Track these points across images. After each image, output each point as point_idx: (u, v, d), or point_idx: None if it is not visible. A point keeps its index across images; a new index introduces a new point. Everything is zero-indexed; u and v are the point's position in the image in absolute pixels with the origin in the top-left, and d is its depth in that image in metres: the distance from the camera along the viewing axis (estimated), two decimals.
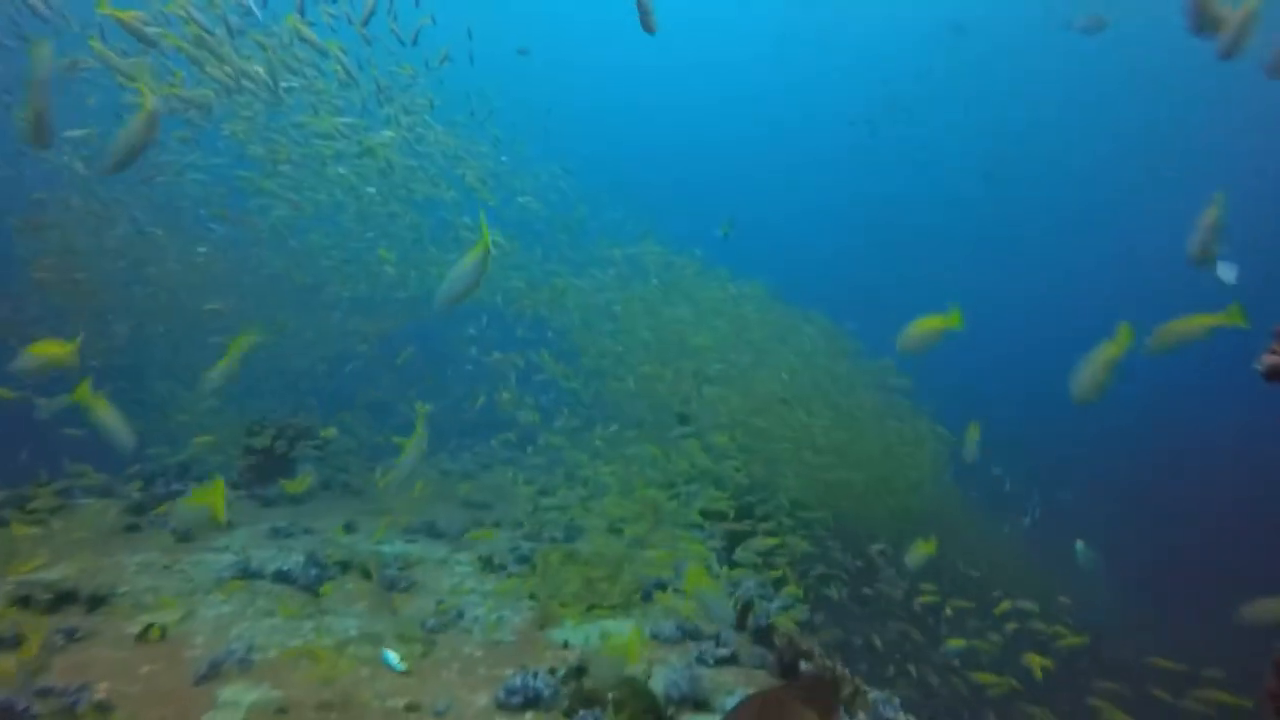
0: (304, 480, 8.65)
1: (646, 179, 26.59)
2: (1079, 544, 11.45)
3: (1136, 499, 16.35)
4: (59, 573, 5.84)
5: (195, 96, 7.01)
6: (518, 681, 4.51)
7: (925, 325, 4.30)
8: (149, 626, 4.93)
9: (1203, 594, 14.58)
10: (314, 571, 6.51)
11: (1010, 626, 7.49)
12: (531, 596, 6.47)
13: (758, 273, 10.45)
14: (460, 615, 5.96)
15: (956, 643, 6.45)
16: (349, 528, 8.33)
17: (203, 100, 7.06)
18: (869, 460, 8.84)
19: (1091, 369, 3.94)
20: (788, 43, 34.55)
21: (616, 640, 5.40)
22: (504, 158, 10.38)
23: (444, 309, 3.63)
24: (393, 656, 4.89)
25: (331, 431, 9.31)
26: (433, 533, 8.48)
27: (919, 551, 5.80)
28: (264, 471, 9.79)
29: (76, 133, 7.79)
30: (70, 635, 4.79)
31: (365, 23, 7.35)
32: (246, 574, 6.41)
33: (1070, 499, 15.14)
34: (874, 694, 4.63)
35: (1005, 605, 7.31)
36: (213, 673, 4.54)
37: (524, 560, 7.52)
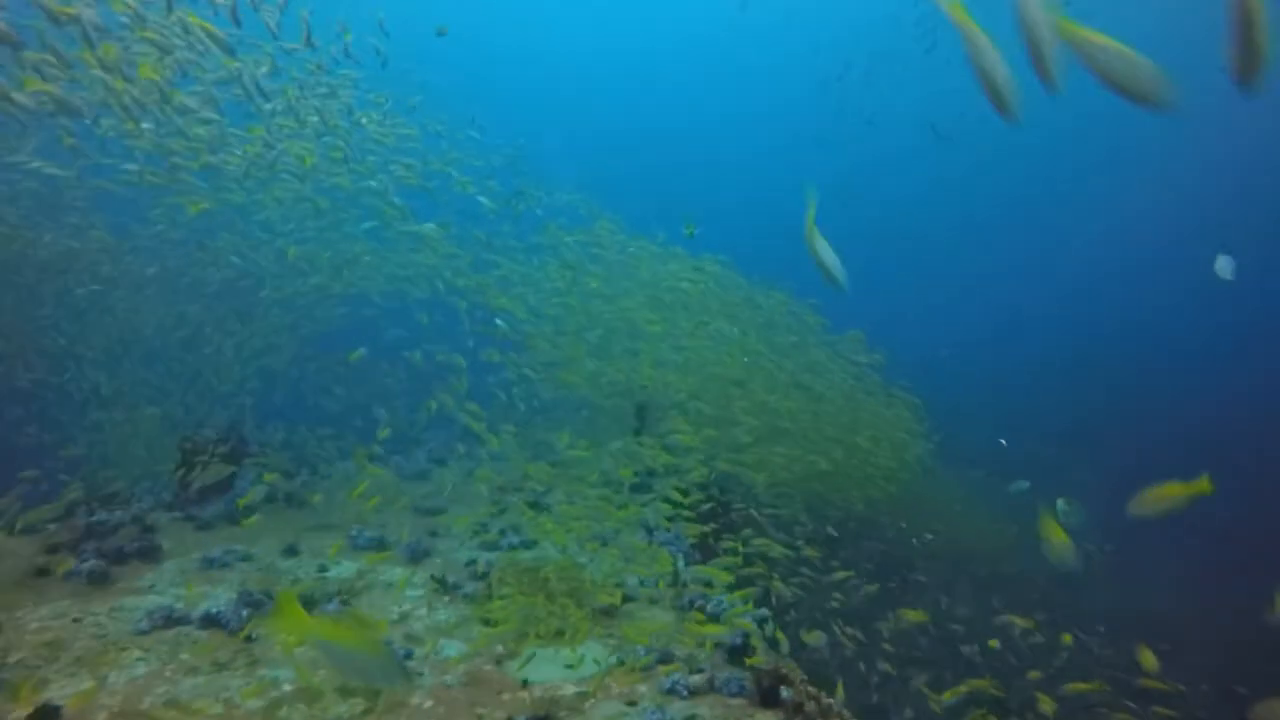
0: (248, 502, 8.12)
1: (601, 165, 25.79)
2: (1060, 501, 11.37)
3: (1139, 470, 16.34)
4: None
5: (69, 99, 6.20)
6: None
7: (1168, 492, 4.08)
8: (39, 709, 4.30)
9: (1190, 559, 14.62)
10: (246, 612, 5.93)
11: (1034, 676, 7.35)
12: (488, 624, 5.96)
13: (719, 252, 9.90)
14: (409, 655, 5.44)
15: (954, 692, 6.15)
16: (290, 550, 7.73)
17: (76, 103, 6.28)
18: (841, 445, 8.42)
19: None
20: (744, 20, 33.56)
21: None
22: (438, 143, 9.71)
23: None
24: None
25: (272, 477, 8.58)
26: (381, 548, 7.90)
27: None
28: (201, 490, 9.11)
29: None
30: None
31: (234, 17, 6.70)
32: (170, 621, 5.81)
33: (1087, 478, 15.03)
34: None
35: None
36: None
37: (480, 577, 7.00)
